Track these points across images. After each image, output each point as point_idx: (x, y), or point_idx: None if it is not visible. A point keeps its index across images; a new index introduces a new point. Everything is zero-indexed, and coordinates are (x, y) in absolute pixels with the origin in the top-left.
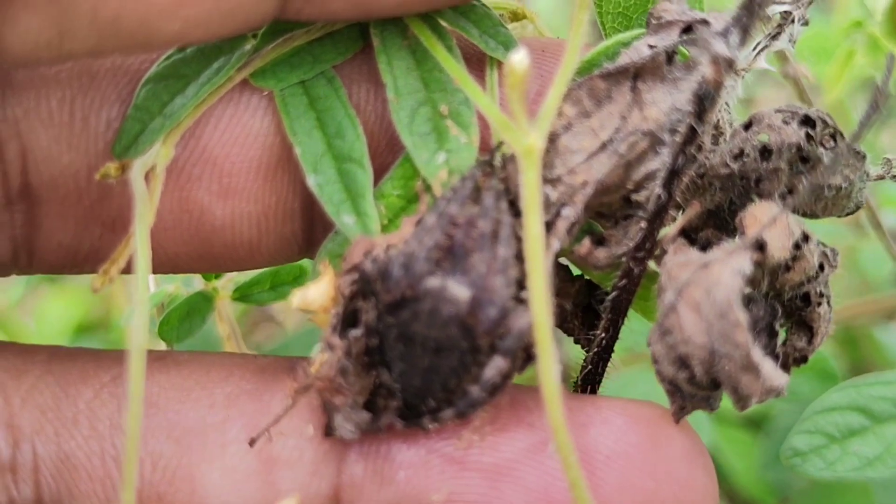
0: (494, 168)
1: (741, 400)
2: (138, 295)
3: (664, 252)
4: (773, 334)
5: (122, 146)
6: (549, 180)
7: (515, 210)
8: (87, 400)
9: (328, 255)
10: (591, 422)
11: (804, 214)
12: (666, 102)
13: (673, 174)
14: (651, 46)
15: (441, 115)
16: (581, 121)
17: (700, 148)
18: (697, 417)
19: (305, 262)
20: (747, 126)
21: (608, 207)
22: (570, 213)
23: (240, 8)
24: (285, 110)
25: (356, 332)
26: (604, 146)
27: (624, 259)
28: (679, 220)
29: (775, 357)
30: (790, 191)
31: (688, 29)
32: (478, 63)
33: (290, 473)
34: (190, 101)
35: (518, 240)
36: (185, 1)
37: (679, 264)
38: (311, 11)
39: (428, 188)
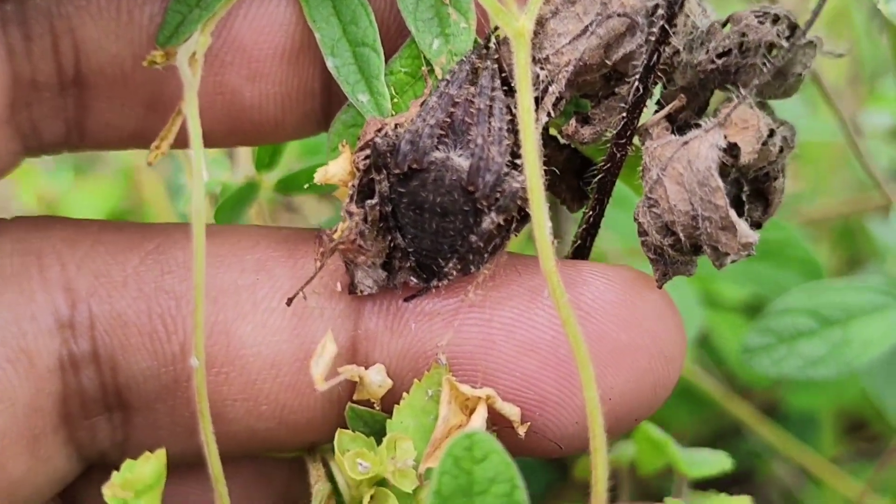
0: (489, 51)
1: (720, 258)
2: (195, 167)
3: (648, 137)
4: (740, 204)
5: (165, 35)
6: (538, 60)
7: (508, 88)
8: (135, 265)
9: (341, 125)
10: (574, 282)
11: (769, 97)
12: None
13: (648, 70)
14: None
15: (442, 2)
16: (567, 7)
17: (671, 47)
18: (689, 304)
19: None
20: (725, 24)
21: (591, 87)
22: (555, 90)
23: None
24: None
25: (371, 201)
26: (586, 29)
27: (609, 143)
28: (662, 111)
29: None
30: (761, 80)
31: None
32: None
33: (313, 327)
34: None
35: (511, 114)
36: None
37: (661, 145)
38: None
39: (431, 71)
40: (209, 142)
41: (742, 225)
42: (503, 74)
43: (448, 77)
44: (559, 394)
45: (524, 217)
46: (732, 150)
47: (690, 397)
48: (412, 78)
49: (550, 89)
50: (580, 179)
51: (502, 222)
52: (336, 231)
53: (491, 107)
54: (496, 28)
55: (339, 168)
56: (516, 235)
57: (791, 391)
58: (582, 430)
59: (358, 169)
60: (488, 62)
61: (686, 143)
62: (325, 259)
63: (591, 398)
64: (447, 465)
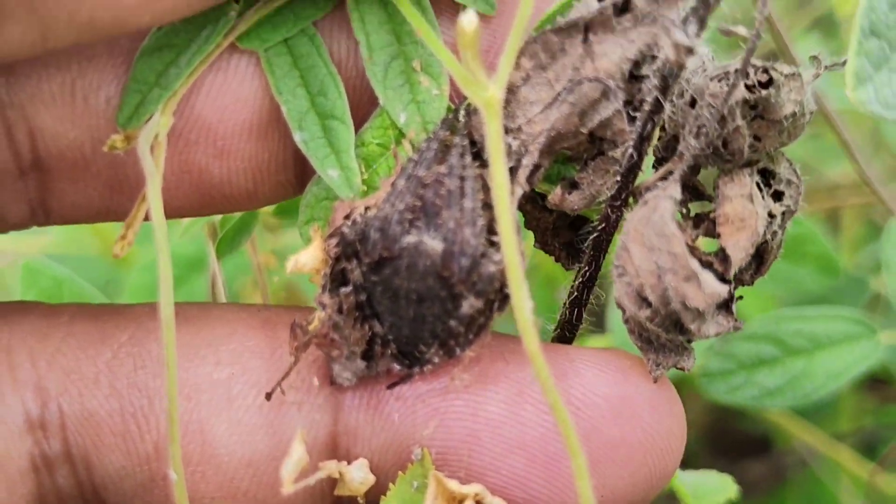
0: (459, 124)
1: (697, 323)
2: (161, 259)
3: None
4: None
5: (125, 117)
6: (510, 130)
7: (481, 161)
8: (107, 360)
9: (312, 198)
10: (564, 372)
11: (779, 147)
12: (616, 53)
13: (642, 138)
14: (600, 0)
15: (413, 69)
16: (538, 73)
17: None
18: None
19: None
20: (693, 104)
21: (576, 150)
22: (528, 162)
23: None
24: (270, 70)
25: (345, 290)
26: (558, 96)
27: (603, 205)
28: (656, 174)
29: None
30: (757, 138)
31: None
32: (455, 12)
33: (291, 422)
34: (183, 69)
35: (485, 190)
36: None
37: (630, 214)
38: None
39: (401, 145)
40: (182, 213)
41: (705, 275)
42: (475, 149)
43: (416, 157)
44: (548, 493)
45: (506, 296)
46: (723, 257)
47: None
48: (384, 149)
49: (524, 161)
50: (575, 234)
51: (482, 305)
52: (311, 322)
53: (462, 187)
54: (465, 100)
55: (309, 257)
56: (500, 314)
57: None
58: None
59: (329, 257)
60: (456, 138)
61: (646, 202)
62: (299, 353)
63: (585, 492)
64: None
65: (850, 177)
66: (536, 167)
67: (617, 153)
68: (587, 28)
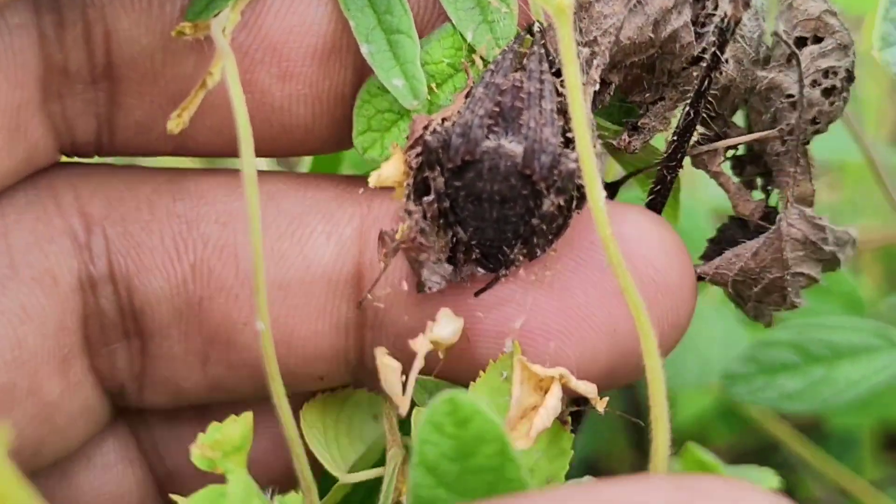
0: (535, 36)
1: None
2: (240, 120)
3: (703, 165)
4: None
5: (195, 11)
6: (584, 44)
7: (556, 72)
8: (147, 193)
9: (373, 109)
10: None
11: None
12: None
13: (699, 95)
14: None
15: None
16: None
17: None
18: (732, 325)
19: None
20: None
21: (639, 86)
22: (599, 62)
23: None
24: None
25: (428, 198)
26: (633, 7)
27: (660, 166)
28: (719, 143)
29: None
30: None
31: None
32: None
33: (320, 250)
34: None
35: (560, 95)
36: None
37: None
38: None
39: (472, 63)
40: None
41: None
42: (550, 58)
43: (492, 66)
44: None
45: (584, 195)
46: None
47: (732, 414)
48: (453, 69)
49: (595, 62)
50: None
51: (563, 203)
52: (398, 231)
53: (541, 89)
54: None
55: (392, 169)
56: (578, 213)
57: (836, 410)
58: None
59: (411, 168)
60: (535, 47)
61: (785, 235)
62: (388, 259)
63: (654, 367)
64: (426, 433)
65: (872, 231)
66: (607, 83)
67: (670, 94)
68: None
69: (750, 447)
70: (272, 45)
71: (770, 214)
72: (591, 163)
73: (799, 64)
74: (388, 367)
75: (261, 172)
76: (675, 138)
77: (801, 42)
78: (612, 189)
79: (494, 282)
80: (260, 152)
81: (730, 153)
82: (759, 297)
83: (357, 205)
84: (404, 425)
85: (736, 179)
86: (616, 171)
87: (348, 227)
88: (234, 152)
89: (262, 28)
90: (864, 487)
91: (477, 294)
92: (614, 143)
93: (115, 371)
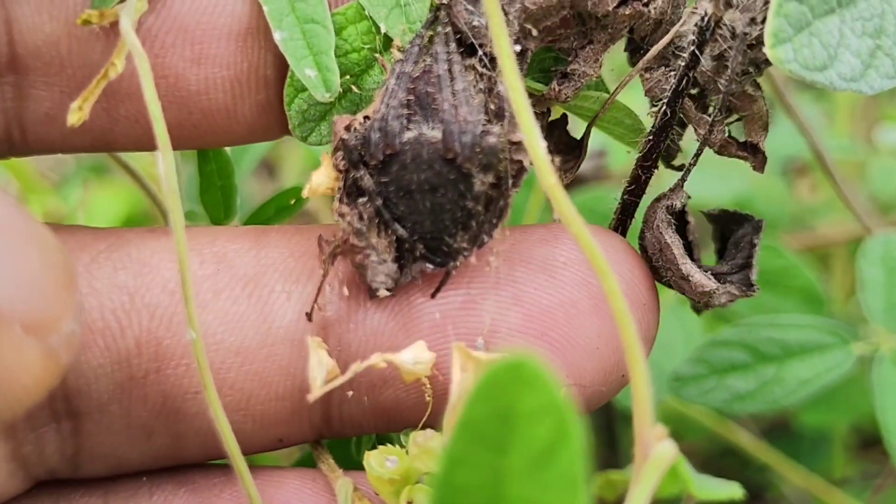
0: (439, 17)
1: (705, 300)
2: (158, 131)
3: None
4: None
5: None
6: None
7: (464, 49)
8: (86, 263)
9: (304, 103)
10: (555, 239)
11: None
12: None
13: (677, 94)
14: None
15: None
16: None
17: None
18: (693, 331)
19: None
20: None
21: (564, 35)
22: (510, 32)
23: None
24: None
25: (362, 200)
26: None
27: (635, 165)
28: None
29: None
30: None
31: None
32: None
33: (280, 311)
34: None
35: (475, 73)
36: None
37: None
38: None
39: (386, 53)
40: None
41: (697, 276)
42: (458, 36)
43: (402, 56)
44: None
45: (520, 170)
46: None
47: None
48: (366, 56)
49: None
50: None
51: (494, 180)
52: (336, 235)
53: (450, 70)
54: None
55: (322, 176)
56: (517, 190)
57: (803, 408)
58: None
59: (339, 170)
60: (439, 28)
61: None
62: (328, 265)
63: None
64: (483, 391)
65: (840, 227)
66: (524, 51)
67: (599, 35)
68: None
69: (722, 448)
70: (183, 28)
71: (730, 144)
72: (532, 128)
73: None
74: (317, 359)
75: (208, 230)
76: (650, 138)
77: None
78: (568, 141)
79: (446, 278)
80: (182, 142)
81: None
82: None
83: (317, 258)
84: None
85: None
86: None
87: (309, 283)
88: (154, 144)
89: (171, 10)
90: (829, 488)
91: (433, 295)
92: (544, 94)
93: (43, 456)
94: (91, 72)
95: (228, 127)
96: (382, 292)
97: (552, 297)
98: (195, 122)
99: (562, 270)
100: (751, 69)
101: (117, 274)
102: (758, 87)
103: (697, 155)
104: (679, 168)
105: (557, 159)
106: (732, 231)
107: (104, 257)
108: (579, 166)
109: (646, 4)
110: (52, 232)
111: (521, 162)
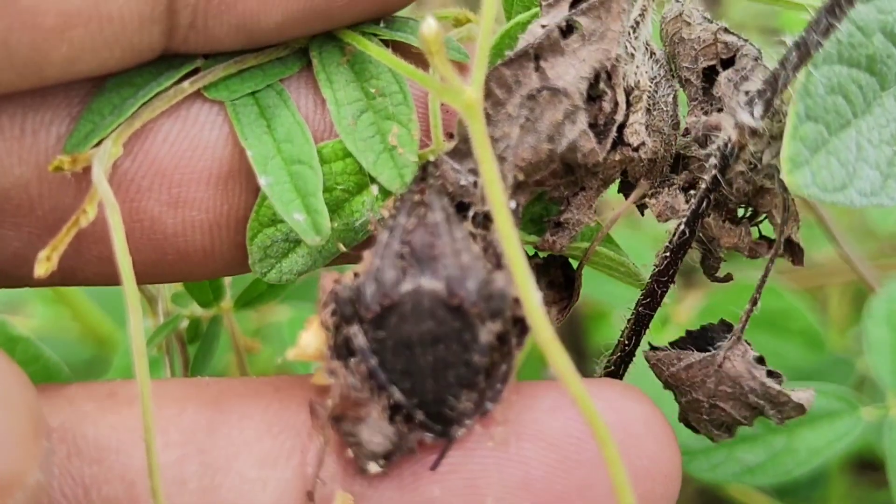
0: (428, 173)
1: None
2: (129, 301)
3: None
4: None
5: (73, 143)
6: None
7: (455, 204)
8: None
9: (267, 239)
10: (568, 408)
11: None
12: (570, 74)
13: (696, 215)
14: (543, 26)
15: (382, 118)
16: (497, 110)
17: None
18: None
19: None
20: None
21: (554, 186)
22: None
23: (123, 34)
24: (237, 118)
25: (354, 360)
26: (524, 125)
27: (650, 280)
28: None
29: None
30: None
31: (576, 2)
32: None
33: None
34: (139, 100)
35: (467, 221)
36: (70, 23)
37: (681, 369)
38: (197, 41)
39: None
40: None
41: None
42: (449, 191)
43: (393, 210)
44: None
45: (523, 329)
46: None
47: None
48: (349, 195)
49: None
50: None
51: (500, 332)
52: (328, 400)
53: (448, 218)
54: (425, 160)
55: (311, 338)
56: (520, 350)
57: None
58: None
59: (328, 328)
60: (430, 180)
61: (720, 366)
62: (325, 432)
63: None
64: None
65: (835, 259)
66: (516, 206)
67: (591, 182)
68: (537, 55)
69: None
70: (161, 172)
71: (760, 246)
72: (526, 277)
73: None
74: None
75: (176, 391)
76: (667, 255)
77: (710, 72)
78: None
79: (448, 447)
80: (158, 278)
81: None
82: (685, 408)
83: (296, 435)
84: None
85: None
86: None
87: (287, 467)
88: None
89: (149, 154)
90: None
91: (433, 467)
92: (537, 245)
93: None
94: (62, 214)
95: (206, 265)
96: (374, 468)
97: (565, 481)
98: (170, 262)
99: (576, 448)
100: (766, 181)
101: (71, 461)
102: (772, 178)
103: (754, 302)
104: (724, 280)
105: (551, 298)
106: None
107: (58, 438)
108: (571, 307)
109: (636, 150)
110: (15, 372)
111: (523, 320)
